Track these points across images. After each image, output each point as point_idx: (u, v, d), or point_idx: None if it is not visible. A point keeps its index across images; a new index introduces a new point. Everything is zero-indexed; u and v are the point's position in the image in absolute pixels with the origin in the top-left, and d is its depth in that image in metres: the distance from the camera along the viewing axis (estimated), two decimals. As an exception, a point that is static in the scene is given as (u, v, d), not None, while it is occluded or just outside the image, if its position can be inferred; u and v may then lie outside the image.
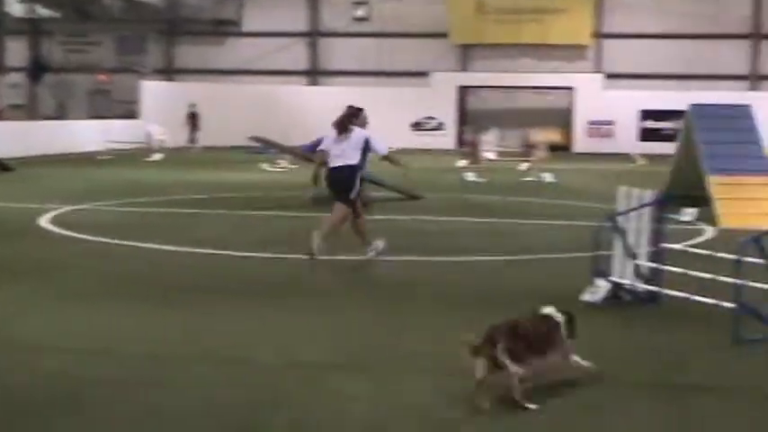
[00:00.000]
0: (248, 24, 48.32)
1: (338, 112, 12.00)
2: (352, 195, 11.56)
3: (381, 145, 11.83)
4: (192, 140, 40.26)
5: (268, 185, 22.84)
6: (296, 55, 48.01)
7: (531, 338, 6.15)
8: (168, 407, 6.03)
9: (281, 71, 47.50)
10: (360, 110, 11.95)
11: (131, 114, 44.36)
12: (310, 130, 38.48)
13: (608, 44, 45.65)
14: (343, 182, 11.56)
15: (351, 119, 11.71)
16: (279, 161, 28.62)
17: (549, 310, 6.53)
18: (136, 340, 7.67)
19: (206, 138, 40.72)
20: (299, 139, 34.87)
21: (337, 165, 11.54)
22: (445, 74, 45.82)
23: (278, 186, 22.44)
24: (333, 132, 11.66)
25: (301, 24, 48.05)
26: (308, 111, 43.50)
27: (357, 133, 11.59)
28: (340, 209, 11.61)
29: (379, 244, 11.69)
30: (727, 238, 12.45)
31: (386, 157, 12.08)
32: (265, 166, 28.51)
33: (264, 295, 9.62)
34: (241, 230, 14.90)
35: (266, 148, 25.99)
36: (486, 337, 6.00)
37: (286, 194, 20.14)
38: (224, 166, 29.65)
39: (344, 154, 11.50)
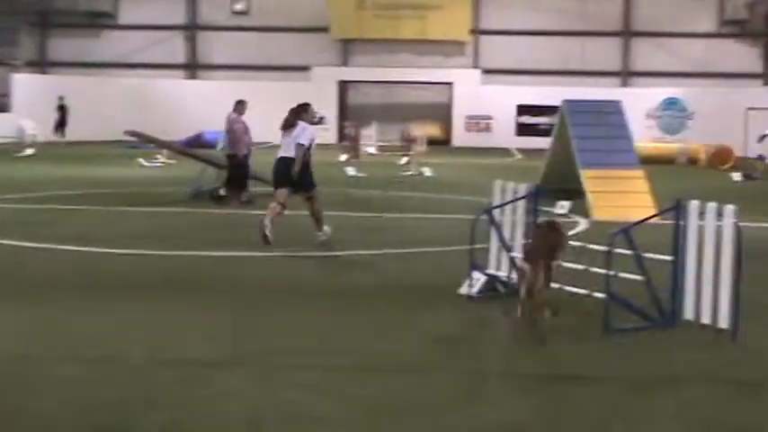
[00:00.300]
0: (124, 17, 47.34)
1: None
2: (313, 182, 12.48)
3: (304, 137, 12.28)
4: (61, 134, 39.29)
5: (145, 181, 22.40)
6: (174, 48, 47.23)
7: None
8: (34, 408, 5.84)
9: (159, 64, 46.69)
10: (307, 105, 12.65)
11: (2, 108, 42.98)
12: (189, 124, 38.45)
13: (485, 40, 46.37)
14: (284, 173, 12.25)
15: (298, 114, 12.40)
16: (156, 156, 28.10)
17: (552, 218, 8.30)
18: (0, 339, 7.41)
19: (81, 132, 39.73)
20: (178, 134, 34.55)
21: (281, 156, 12.37)
22: (326, 68, 45.78)
23: (155, 182, 22.03)
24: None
25: (179, 17, 47.30)
26: (186, 105, 42.94)
27: (299, 127, 12.32)
28: (315, 200, 12.50)
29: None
30: (600, 230, 12.77)
31: (298, 147, 12.20)
32: (142, 161, 27.96)
33: (136, 292, 9.40)
34: (115, 227, 14.57)
35: (143, 142, 25.46)
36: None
37: (163, 190, 19.79)
38: (99, 162, 28.95)
39: (288, 146, 12.30)
